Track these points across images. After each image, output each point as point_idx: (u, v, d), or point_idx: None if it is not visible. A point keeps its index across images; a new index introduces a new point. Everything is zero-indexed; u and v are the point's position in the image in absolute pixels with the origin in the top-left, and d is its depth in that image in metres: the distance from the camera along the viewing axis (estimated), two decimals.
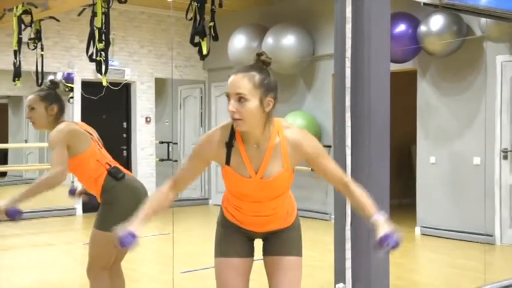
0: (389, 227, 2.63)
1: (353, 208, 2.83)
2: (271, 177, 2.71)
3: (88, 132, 3.97)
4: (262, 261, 2.97)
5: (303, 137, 2.74)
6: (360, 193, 2.79)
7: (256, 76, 2.61)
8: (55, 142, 3.79)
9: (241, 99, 2.58)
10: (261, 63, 2.68)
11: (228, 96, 2.61)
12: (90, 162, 3.84)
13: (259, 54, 2.71)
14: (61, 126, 3.86)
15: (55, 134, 3.82)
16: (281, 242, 2.91)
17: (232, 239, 2.91)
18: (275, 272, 2.90)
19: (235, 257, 2.88)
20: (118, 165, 3.95)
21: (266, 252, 2.95)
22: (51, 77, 9.80)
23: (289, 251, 2.90)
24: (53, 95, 3.99)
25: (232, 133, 2.72)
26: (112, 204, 3.82)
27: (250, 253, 2.96)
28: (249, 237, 2.95)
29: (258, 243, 2.99)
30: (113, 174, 3.85)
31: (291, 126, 2.76)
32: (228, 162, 2.72)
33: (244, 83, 2.59)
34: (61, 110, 3.99)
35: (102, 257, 3.88)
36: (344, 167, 4.10)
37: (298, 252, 2.94)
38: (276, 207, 2.84)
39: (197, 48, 5.69)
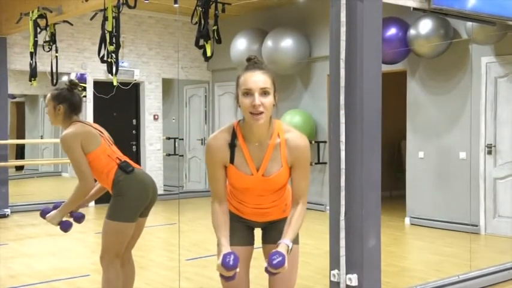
0: (284, 251, 2.59)
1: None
2: (272, 175, 2.72)
3: (99, 131, 3.95)
4: (261, 249, 2.97)
5: (303, 144, 2.75)
6: (297, 216, 2.74)
7: (270, 73, 2.67)
8: (67, 146, 3.77)
9: (265, 93, 2.61)
10: (259, 63, 2.69)
11: (249, 92, 2.60)
12: (101, 158, 3.82)
13: (251, 58, 2.72)
14: (70, 128, 3.82)
15: (65, 137, 3.78)
16: (279, 231, 2.89)
17: (234, 229, 2.90)
18: None
19: (237, 245, 2.88)
20: (128, 159, 3.94)
21: (265, 240, 2.95)
22: (72, 76, 9.84)
23: None
24: (62, 95, 3.91)
25: (234, 134, 2.73)
26: (122, 195, 3.81)
27: (251, 241, 2.96)
28: (249, 227, 2.95)
29: (258, 232, 2.99)
30: (123, 168, 3.84)
31: (293, 130, 2.77)
32: (232, 161, 2.73)
33: (266, 78, 2.63)
34: (71, 111, 3.91)
35: (114, 245, 3.87)
36: (338, 161, 4.10)
37: (295, 241, 2.93)
38: (276, 199, 2.84)
39: (202, 50, 5.69)
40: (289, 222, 2.74)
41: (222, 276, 2.65)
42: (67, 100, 3.91)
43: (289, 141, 2.72)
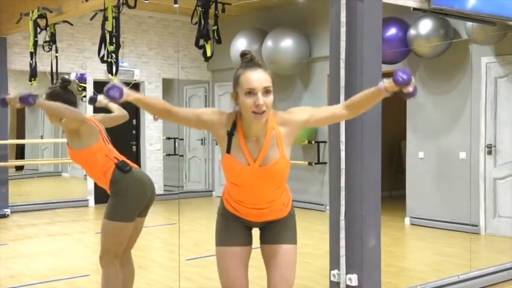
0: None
1: (368, 104, 2.80)
2: (269, 164, 2.70)
3: (98, 127, 3.95)
4: (260, 249, 2.97)
5: (288, 111, 2.78)
6: (357, 95, 2.79)
7: (268, 70, 2.67)
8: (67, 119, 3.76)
9: (267, 92, 2.60)
10: (255, 60, 2.68)
11: (253, 92, 2.58)
12: (98, 157, 3.82)
13: (245, 54, 2.70)
14: None
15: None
16: (277, 231, 2.91)
17: (232, 229, 2.90)
18: (272, 259, 2.90)
19: (235, 246, 2.88)
20: (125, 159, 3.94)
21: (263, 240, 2.95)
22: (72, 76, 9.86)
23: (285, 239, 2.90)
24: (56, 93, 3.91)
25: (234, 125, 2.72)
26: (120, 195, 3.81)
27: (249, 241, 2.95)
28: (247, 227, 2.95)
29: (256, 232, 2.99)
30: (120, 167, 3.83)
31: (280, 113, 2.76)
32: (228, 150, 2.72)
33: (267, 76, 2.62)
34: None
35: (113, 245, 3.86)
36: (338, 161, 4.10)
37: (293, 240, 2.94)
38: (273, 200, 2.84)
39: (202, 50, 5.69)
40: (364, 95, 2.75)
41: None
42: (61, 98, 3.88)
43: (279, 121, 2.72)
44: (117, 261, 3.91)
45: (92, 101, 4.33)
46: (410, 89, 2.55)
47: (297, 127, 2.76)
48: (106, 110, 4.29)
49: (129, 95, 2.70)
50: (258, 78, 2.59)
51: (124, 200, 3.81)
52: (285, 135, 2.73)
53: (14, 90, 3.54)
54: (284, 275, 2.87)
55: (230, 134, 2.71)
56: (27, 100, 3.43)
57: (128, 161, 3.93)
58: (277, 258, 2.88)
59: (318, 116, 2.79)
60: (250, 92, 2.59)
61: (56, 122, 3.94)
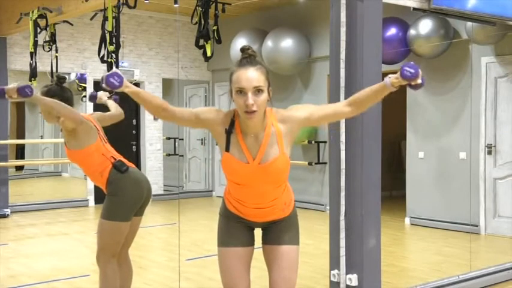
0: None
1: (373, 100, 2.76)
2: (269, 161, 2.69)
3: (95, 126, 3.94)
4: (262, 249, 2.97)
5: (288, 109, 2.75)
6: (361, 92, 2.75)
7: (263, 68, 2.63)
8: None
9: (258, 91, 2.58)
10: (252, 57, 2.66)
11: (243, 91, 2.57)
12: (95, 156, 3.80)
13: (245, 49, 2.67)
14: None
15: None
16: (279, 232, 2.90)
17: (234, 229, 2.90)
18: (274, 259, 2.89)
19: (237, 246, 2.87)
20: (122, 158, 3.92)
21: (265, 241, 2.94)
22: (72, 76, 9.85)
23: (286, 240, 2.90)
24: (52, 91, 3.87)
25: (232, 122, 2.71)
26: (117, 195, 3.80)
27: (251, 242, 2.95)
28: (249, 227, 2.94)
29: (258, 232, 2.99)
30: (117, 167, 3.82)
31: (281, 111, 2.75)
32: (227, 149, 2.71)
33: (259, 75, 2.58)
34: None
35: (110, 245, 3.86)
36: (338, 161, 4.10)
37: (295, 241, 2.93)
38: (275, 198, 2.83)
39: (202, 50, 5.69)
40: (368, 91, 2.72)
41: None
42: (58, 95, 3.85)
43: (279, 119, 2.70)
44: (114, 260, 3.90)
45: (92, 98, 4.33)
46: (419, 81, 2.56)
47: (297, 125, 2.74)
48: (104, 109, 4.29)
49: (127, 86, 2.64)
50: (248, 77, 2.57)
51: (120, 200, 3.80)
52: (285, 132, 2.71)
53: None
54: (286, 275, 2.87)
55: (228, 132, 2.70)
56: (24, 91, 3.33)
57: (125, 160, 3.92)
58: (279, 259, 2.87)
59: (319, 114, 2.75)
60: (241, 91, 2.58)
61: (52, 121, 3.87)
